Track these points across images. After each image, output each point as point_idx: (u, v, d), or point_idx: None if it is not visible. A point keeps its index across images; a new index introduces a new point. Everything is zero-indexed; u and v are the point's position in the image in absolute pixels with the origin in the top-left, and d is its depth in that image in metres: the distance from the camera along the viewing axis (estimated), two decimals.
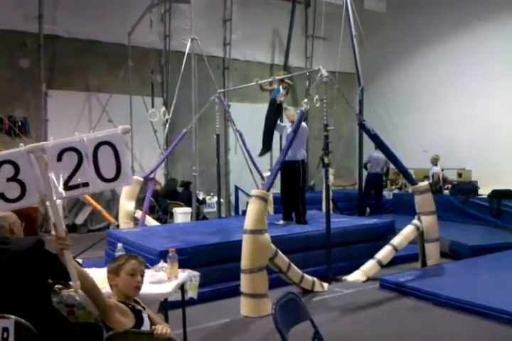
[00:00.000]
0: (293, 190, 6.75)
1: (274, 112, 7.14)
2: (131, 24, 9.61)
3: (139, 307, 2.68)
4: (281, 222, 6.89)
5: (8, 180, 2.11)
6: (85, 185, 2.20)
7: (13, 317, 2.44)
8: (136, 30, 9.74)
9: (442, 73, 12.02)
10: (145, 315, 2.65)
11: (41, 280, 2.80)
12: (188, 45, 8.59)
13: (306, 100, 6.11)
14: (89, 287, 2.46)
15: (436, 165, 10.95)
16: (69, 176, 2.16)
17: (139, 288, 2.69)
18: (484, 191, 9.51)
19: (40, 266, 2.71)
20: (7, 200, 2.15)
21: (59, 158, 2.15)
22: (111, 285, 2.69)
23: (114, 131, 2.24)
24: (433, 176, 10.66)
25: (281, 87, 7.09)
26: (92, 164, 2.19)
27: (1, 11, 9.14)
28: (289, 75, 8.24)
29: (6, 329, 2.43)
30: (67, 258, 2.31)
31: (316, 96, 5.90)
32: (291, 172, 6.68)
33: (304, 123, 6.52)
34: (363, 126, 6.36)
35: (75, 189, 2.20)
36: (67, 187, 2.18)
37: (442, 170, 10.94)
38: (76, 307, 3.12)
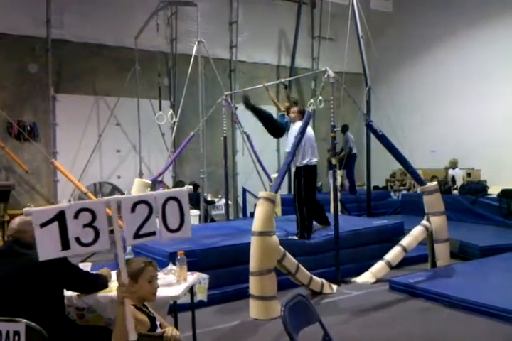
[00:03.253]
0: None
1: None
2: (138, 28, 9.65)
3: (154, 315, 2.69)
4: (318, 226, 6.66)
5: (85, 226, 2.33)
6: (152, 234, 2.46)
7: (24, 320, 2.46)
8: (142, 34, 9.78)
9: (450, 73, 11.96)
10: (158, 322, 2.67)
11: (58, 288, 2.83)
12: (195, 47, 8.62)
13: (312, 101, 6.07)
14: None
15: (454, 168, 10.98)
16: (140, 225, 2.42)
17: (156, 293, 2.72)
18: (494, 191, 9.45)
19: (59, 275, 2.75)
20: (82, 244, 2.35)
21: (132, 210, 2.41)
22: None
23: (180, 189, 2.61)
24: (453, 179, 10.69)
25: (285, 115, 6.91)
26: (161, 216, 2.47)
27: (9, 16, 9.22)
28: (294, 77, 8.25)
29: (17, 333, 2.46)
30: (126, 307, 2.39)
31: (320, 97, 5.86)
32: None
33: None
34: (370, 127, 6.34)
35: (143, 237, 2.45)
36: (137, 235, 2.42)
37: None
38: (86, 311, 3.15)
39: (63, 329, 2.82)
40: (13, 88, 9.50)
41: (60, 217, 2.31)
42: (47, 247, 2.32)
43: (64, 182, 9.59)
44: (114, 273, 3.38)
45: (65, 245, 2.33)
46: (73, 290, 3.05)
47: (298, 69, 12.69)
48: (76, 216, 2.33)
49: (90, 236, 2.34)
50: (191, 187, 2.68)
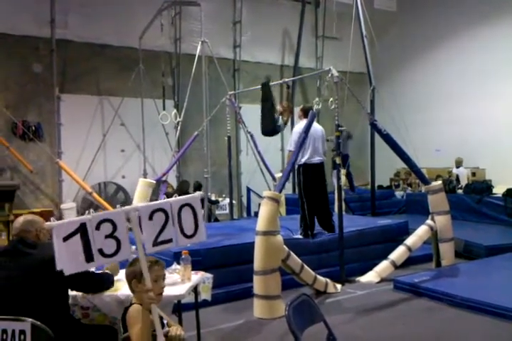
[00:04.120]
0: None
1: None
2: (142, 28, 9.65)
3: (161, 314, 2.68)
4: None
5: (107, 236, 2.36)
6: (169, 241, 2.50)
7: (29, 319, 2.47)
8: (147, 34, 9.78)
9: (454, 72, 11.93)
10: (165, 321, 2.67)
11: (62, 287, 2.83)
12: (199, 47, 8.61)
13: (317, 99, 6.05)
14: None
15: (459, 166, 10.94)
16: (158, 233, 2.46)
17: (161, 293, 2.69)
18: (499, 190, 9.42)
19: (62, 274, 2.74)
20: (104, 255, 2.37)
21: (150, 218, 2.45)
22: (133, 291, 2.66)
23: (193, 195, 2.65)
24: (457, 178, 10.65)
25: (280, 117, 6.92)
26: (177, 222, 2.51)
27: (14, 16, 9.26)
28: (298, 77, 8.19)
29: (22, 332, 2.47)
30: (153, 312, 2.41)
31: (331, 99, 5.83)
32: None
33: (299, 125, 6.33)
34: (374, 126, 6.33)
35: (161, 244, 2.49)
36: (156, 242, 2.46)
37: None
38: (91, 310, 3.16)
39: (68, 328, 2.83)
40: (18, 88, 9.53)
41: (82, 230, 2.32)
42: (70, 261, 2.30)
43: (69, 182, 9.62)
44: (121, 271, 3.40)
45: (89, 257, 2.33)
46: (78, 290, 3.05)
47: (302, 69, 12.67)
48: (98, 227, 2.34)
49: (112, 246, 2.37)
50: (202, 193, 2.73)
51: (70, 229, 2.30)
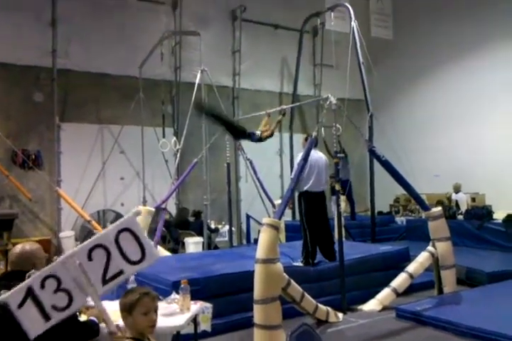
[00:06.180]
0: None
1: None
2: (143, 57, 9.82)
3: None
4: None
5: (55, 291, 2.34)
6: (120, 273, 2.40)
7: None
8: (147, 63, 9.95)
9: (452, 98, 12.07)
10: None
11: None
12: (198, 76, 8.75)
13: (317, 128, 6.08)
14: None
15: (458, 192, 10.94)
16: (104, 271, 2.38)
17: (153, 326, 2.58)
18: (499, 215, 9.38)
19: None
20: (59, 309, 2.35)
21: (89, 258, 2.36)
22: (125, 323, 2.57)
23: (127, 218, 2.46)
24: (457, 203, 10.65)
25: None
26: (118, 252, 2.38)
27: (16, 47, 9.42)
28: (297, 104, 8.25)
29: None
30: None
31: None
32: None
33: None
34: (373, 152, 6.36)
35: (112, 280, 2.40)
36: (105, 280, 2.39)
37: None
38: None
39: None
40: (19, 117, 9.61)
41: (31, 293, 2.33)
42: (32, 324, 2.32)
43: (67, 210, 9.58)
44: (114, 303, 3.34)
45: (46, 316, 2.34)
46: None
47: (300, 96, 12.81)
48: (42, 286, 2.34)
49: (64, 299, 2.35)
50: (140, 210, 2.61)
51: (20, 295, 2.32)
